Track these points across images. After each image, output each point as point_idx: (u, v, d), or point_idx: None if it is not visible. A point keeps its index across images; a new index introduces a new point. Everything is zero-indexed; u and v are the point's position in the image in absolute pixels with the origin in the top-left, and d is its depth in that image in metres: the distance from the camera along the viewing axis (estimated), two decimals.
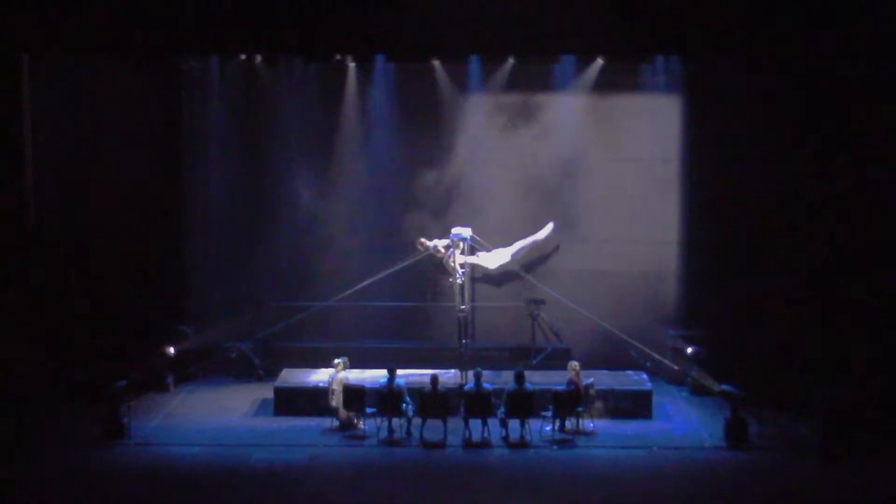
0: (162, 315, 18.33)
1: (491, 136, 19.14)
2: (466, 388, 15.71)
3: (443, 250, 17.18)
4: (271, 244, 19.28)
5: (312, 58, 18.82)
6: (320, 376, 16.89)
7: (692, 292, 18.75)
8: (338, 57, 18.87)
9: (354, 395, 15.60)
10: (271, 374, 17.97)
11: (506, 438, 15.37)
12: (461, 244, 16.97)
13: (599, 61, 18.73)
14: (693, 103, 18.76)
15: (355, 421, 15.81)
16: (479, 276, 18.46)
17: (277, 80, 19.14)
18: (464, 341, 16.75)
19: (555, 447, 15.21)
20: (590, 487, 13.70)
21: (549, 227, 18.25)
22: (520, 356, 18.25)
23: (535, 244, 18.17)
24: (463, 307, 16.81)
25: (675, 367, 17.58)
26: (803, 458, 14.65)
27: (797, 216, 17.85)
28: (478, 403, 15.37)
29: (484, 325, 18.11)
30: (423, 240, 17.42)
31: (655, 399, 16.70)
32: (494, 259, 17.60)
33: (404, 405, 15.48)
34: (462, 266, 16.86)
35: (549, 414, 15.54)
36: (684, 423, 16.33)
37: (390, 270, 17.64)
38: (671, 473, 14.20)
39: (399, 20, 17.06)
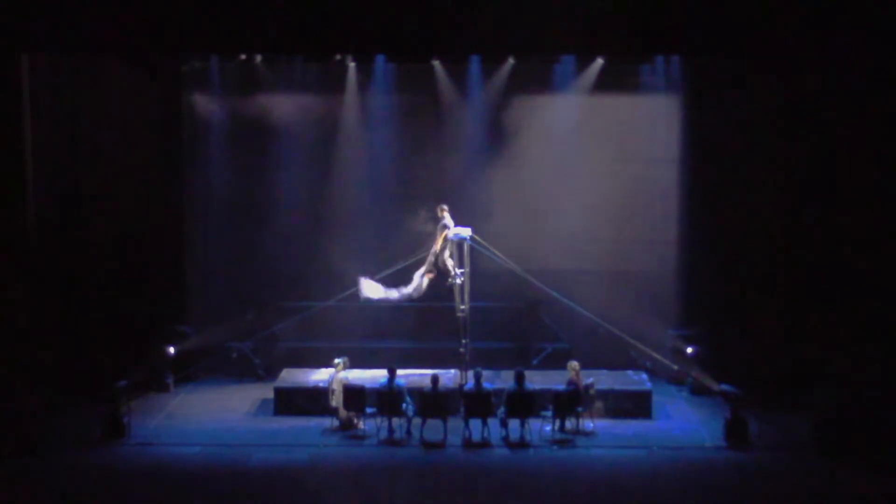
0: (162, 315, 18.33)
1: (491, 136, 19.14)
2: (466, 388, 15.72)
3: (450, 224, 16.59)
4: (271, 244, 19.29)
5: (312, 58, 18.83)
6: (320, 376, 16.89)
7: (692, 292, 18.75)
8: (338, 57, 18.88)
9: (354, 395, 15.60)
10: (271, 374, 17.97)
11: (506, 438, 15.37)
12: (451, 242, 16.49)
13: (599, 61, 18.73)
14: (693, 103, 18.77)
15: (355, 421, 15.81)
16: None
17: (277, 80, 19.16)
18: (464, 341, 16.74)
19: (555, 447, 15.21)
20: (590, 487, 13.70)
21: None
22: (520, 356, 18.25)
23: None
24: (463, 307, 16.79)
25: (675, 367, 17.58)
26: (803, 457, 14.66)
27: (797, 215, 17.84)
28: (478, 403, 15.37)
29: (484, 325, 18.08)
30: (445, 206, 16.74)
31: (655, 399, 16.72)
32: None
33: (404, 405, 15.48)
34: (459, 267, 16.69)
35: (549, 414, 15.55)
36: (684, 423, 16.34)
37: (390, 270, 17.62)
38: (671, 473, 14.20)
39: (399, 20, 17.05)
